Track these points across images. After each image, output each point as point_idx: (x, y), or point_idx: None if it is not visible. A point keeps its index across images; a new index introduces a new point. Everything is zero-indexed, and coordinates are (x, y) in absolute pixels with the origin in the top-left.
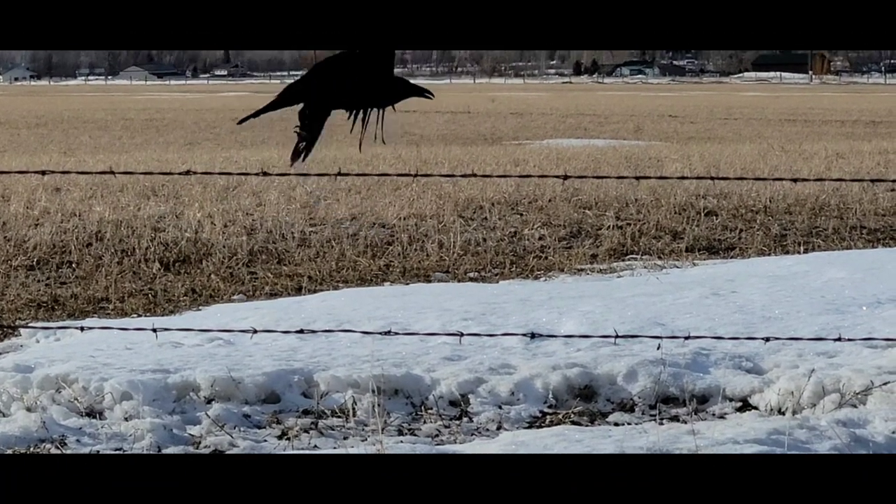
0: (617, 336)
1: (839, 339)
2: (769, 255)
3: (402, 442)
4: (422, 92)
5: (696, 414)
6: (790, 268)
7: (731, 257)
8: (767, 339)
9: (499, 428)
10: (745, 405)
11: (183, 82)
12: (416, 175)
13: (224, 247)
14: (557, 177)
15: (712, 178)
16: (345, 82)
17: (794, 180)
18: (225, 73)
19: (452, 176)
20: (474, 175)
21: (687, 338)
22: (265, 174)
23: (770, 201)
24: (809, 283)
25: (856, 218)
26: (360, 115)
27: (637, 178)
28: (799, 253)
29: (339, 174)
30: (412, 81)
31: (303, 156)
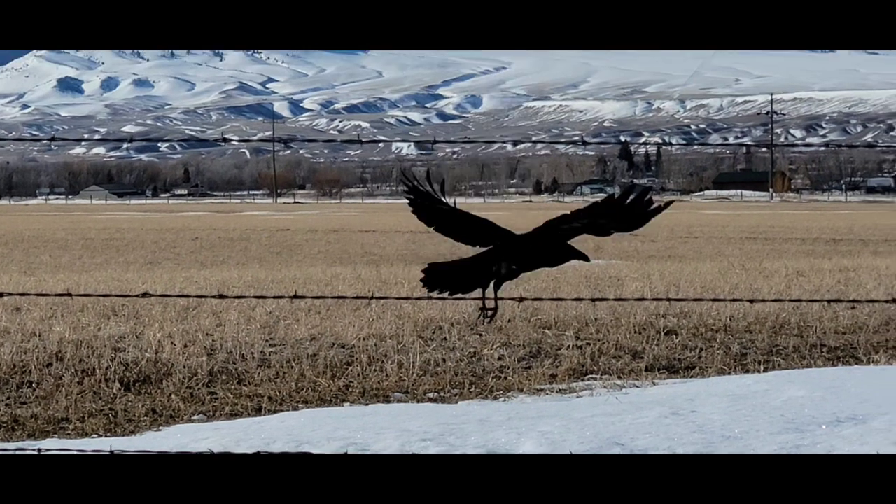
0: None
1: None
2: (729, 373)
3: None
4: (583, 255)
5: None
6: (750, 386)
7: (691, 376)
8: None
9: None
10: None
11: (143, 201)
12: (371, 297)
13: (184, 367)
14: (512, 299)
15: (669, 300)
16: (534, 248)
17: (752, 301)
18: (185, 192)
19: (409, 298)
20: (429, 297)
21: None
22: (222, 297)
23: (730, 320)
24: (769, 401)
25: (816, 336)
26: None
27: (593, 300)
28: (759, 371)
29: (295, 296)
30: (572, 244)
31: (490, 318)
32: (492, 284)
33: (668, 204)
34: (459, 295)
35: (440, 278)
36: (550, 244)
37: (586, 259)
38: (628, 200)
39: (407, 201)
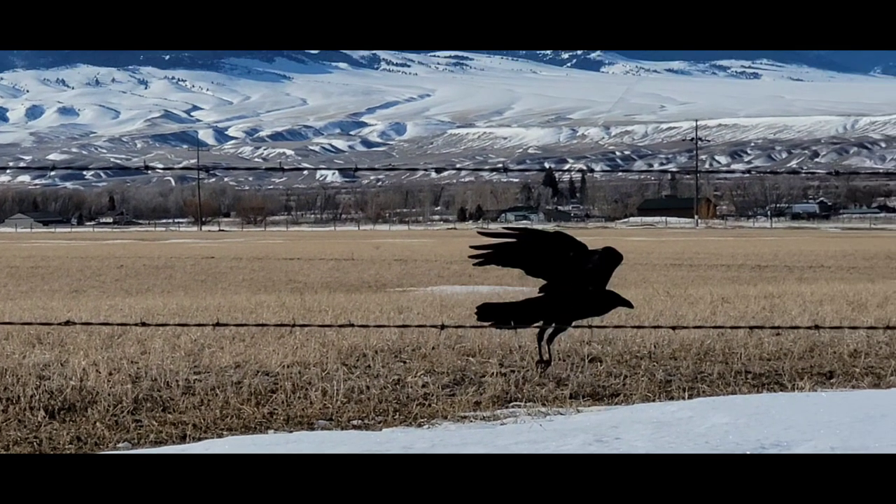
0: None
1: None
2: (654, 400)
3: None
4: (626, 302)
5: None
6: (674, 413)
7: (616, 403)
8: None
9: None
10: None
11: (68, 229)
12: (293, 325)
13: (109, 394)
14: (434, 326)
15: (591, 327)
16: (583, 298)
17: (674, 328)
18: (110, 220)
19: (331, 326)
20: (352, 325)
21: None
22: (144, 324)
23: (655, 347)
24: (693, 428)
25: (741, 363)
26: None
27: (515, 327)
28: (684, 398)
29: (218, 324)
30: (616, 292)
31: (543, 369)
32: (546, 337)
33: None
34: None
35: (496, 314)
36: (603, 294)
37: (630, 306)
38: None
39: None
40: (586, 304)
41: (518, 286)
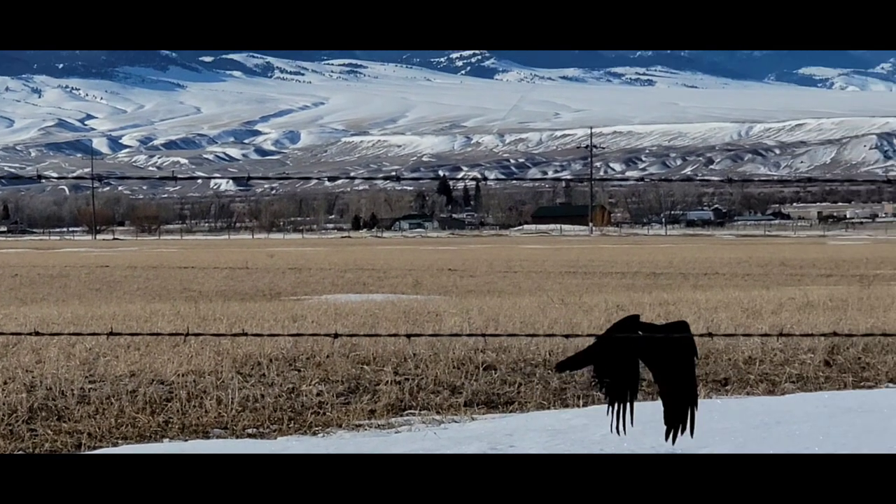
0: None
1: None
2: (549, 408)
3: None
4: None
5: None
6: (569, 421)
7: (511, 411)
8: None
9: None
10: None
11: None
12: (187, 334)
13: (4, 404)
14: (327, 335)
15: (484, 335)
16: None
17: (567, 336)
18: (4, 228)
19: (224, 335)
20: (245, 334)
21: None
22: (38, 334)
23: (549, 354)
24: (588, 436)
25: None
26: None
27: (409, 335)
28: (578, 406)
29: (111, 333)
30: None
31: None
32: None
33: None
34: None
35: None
36: None
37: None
38: None
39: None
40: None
41: (412, 294)
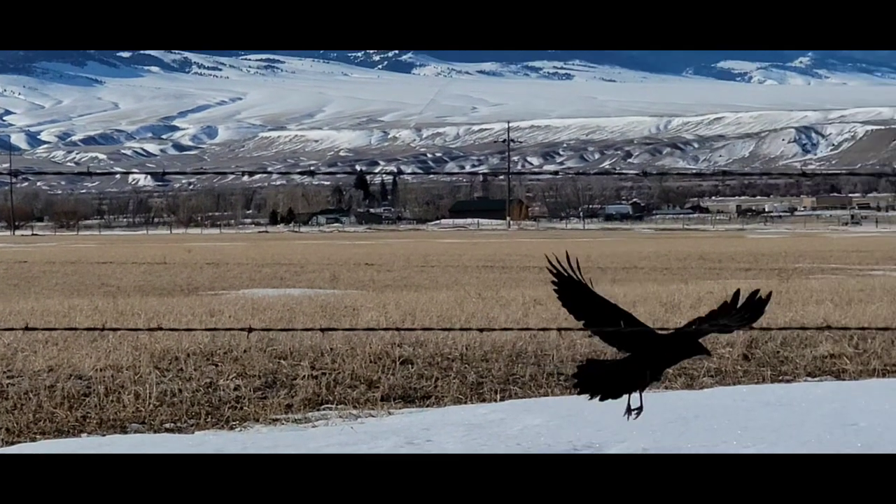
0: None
1: None
2: (466, 402)
3: None
4: (707, 351)
5: None
6: (486, 415)
7: (427, 406)
8: None
9: None
10: None
11: None
12: (103, 329)
13: None
14: (242, 329)
15: (398, 329)
16: (672, 350)
17: (481, 330)
18: None
19: (139, 329)
20: (161, 328)
21: None
22: None
23: (466, 349)
24: (505, 430)
25: (553, 364)
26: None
27: (323, 329)
28: (496, 400)
29: (27, 328)
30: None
31: (637, 415)
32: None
33: (769, 295)
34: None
35: (593, 382)
36: (685, 344)
37: (709, 354)
38: (739, 304)
39: (554, 287)
40: (675, 355)
41: (329, 289)
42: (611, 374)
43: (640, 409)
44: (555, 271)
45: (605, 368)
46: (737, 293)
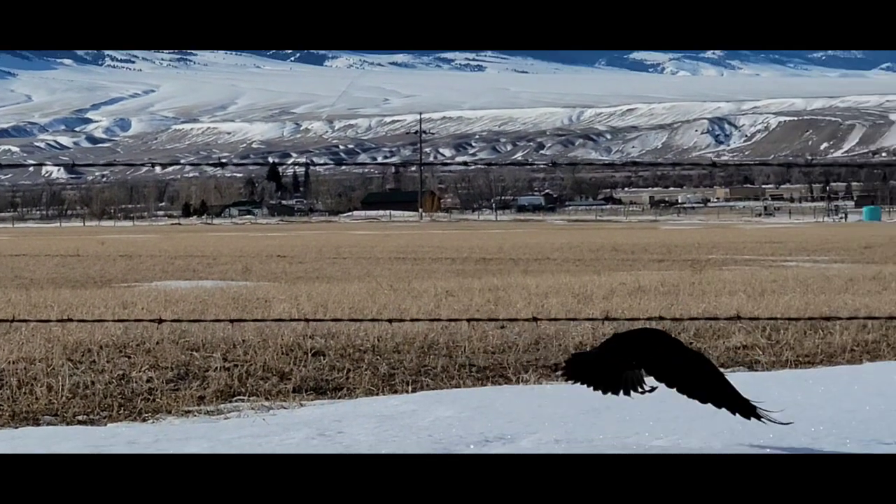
0: None
1: None
2: (377, 394)
3: None
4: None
5: None
6: (398, 407)
7: (339, 397)
8: None
9: None
10: None
11: None
12: (12, 320)
13: None
14: (152, 320)
15: (307, 320)
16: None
17: (391, 321)
18: None
19: (48, 321)
20: (70, 320)
21: None
22: None
23: (378, 340)
24: (417, 421)
25: (465, 356)
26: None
27: (232, 321)
28: (407, 392)
29: None
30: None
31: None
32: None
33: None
34: None
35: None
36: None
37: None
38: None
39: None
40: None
41: (242, 281)
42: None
43: (652, 388)
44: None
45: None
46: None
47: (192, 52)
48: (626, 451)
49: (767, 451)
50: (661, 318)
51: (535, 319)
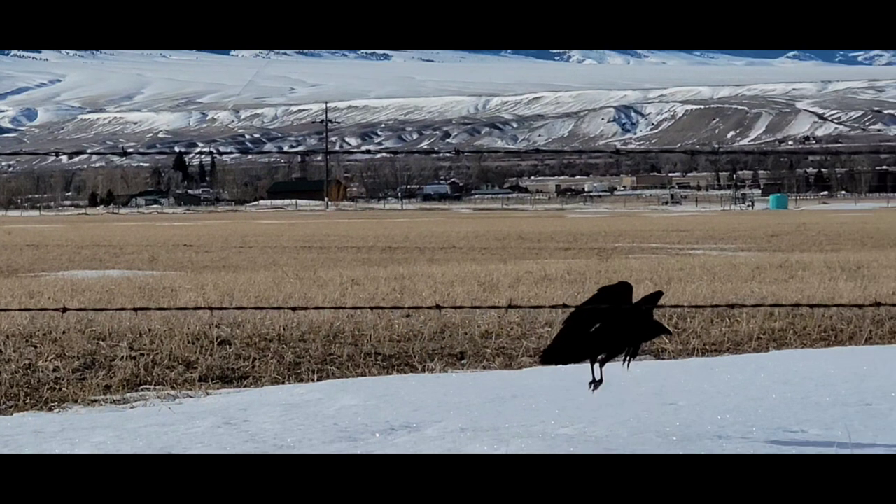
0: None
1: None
2: (283, 383)
3: None
4: (667, 330)
5: None
6: (303, 395)
7: (245, 386)
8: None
9: None
10: None
11: None
12: None
13: None
14: (56, 309)
15: (211, 309)
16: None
17: (294, 309)
18: None
19: None
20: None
21: None
22: None
23: (284, 329)
24: (323, 410)
25: (370, 344)
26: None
27: (136, 309)
28: (313, 380)
29: None
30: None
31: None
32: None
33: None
34: None
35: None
36: (648, 324)
37: (669, 333)
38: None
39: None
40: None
41: (148, 270)
42: (576, 345)
43: (600, 381)
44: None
45: (570, 339)
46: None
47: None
48: (531, 438)
49: (673, 439)
50: (566, 305)
51: (438, 307)
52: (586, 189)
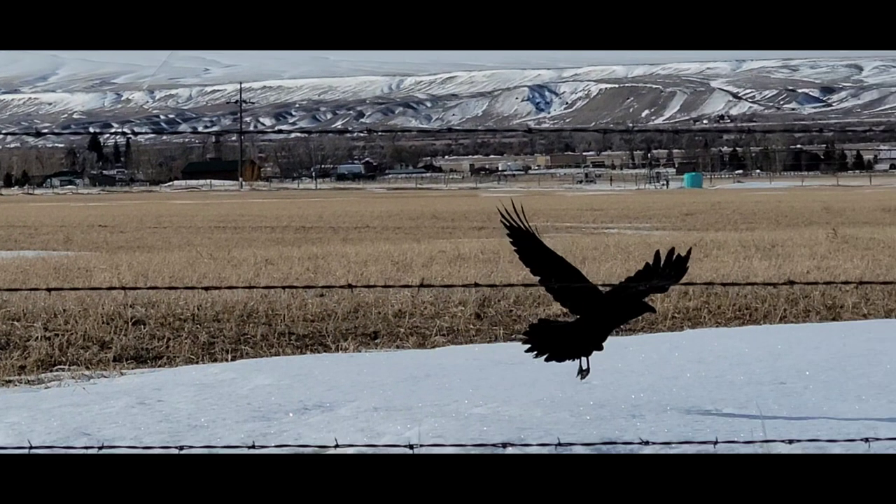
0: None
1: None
2: (197, 363)
3: None
4: (652, 308)
5: None
6: (217, 375)
7: (160, 366)
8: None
9: None
10: None
11: None
12: None
13: None
14: None
15: (124, 289)
16: (618, 312)
17: (206, 289)
18: None
19: None
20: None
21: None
22: None
23: (198, 309)
24: (236, 390)
25: (284, 324)
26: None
27: (49, 289)
28: (227, 360)
29: None
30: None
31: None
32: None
33: (689, 252)
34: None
35: (543, 342)
36: (633, 303)
37: (654, 311)
38: (662, 264)
39: (510, 240)
40: (621, 316)
41: (63, 251)
42: (561, 336)
43: (587, 370)
44: (507, 224)
45: (557, 329)
46: (657, 254)
47: None
48: (445, 418)
49: (587, 418)
50: (478, 284)
51: (350, 287)
52: (500, 168)
